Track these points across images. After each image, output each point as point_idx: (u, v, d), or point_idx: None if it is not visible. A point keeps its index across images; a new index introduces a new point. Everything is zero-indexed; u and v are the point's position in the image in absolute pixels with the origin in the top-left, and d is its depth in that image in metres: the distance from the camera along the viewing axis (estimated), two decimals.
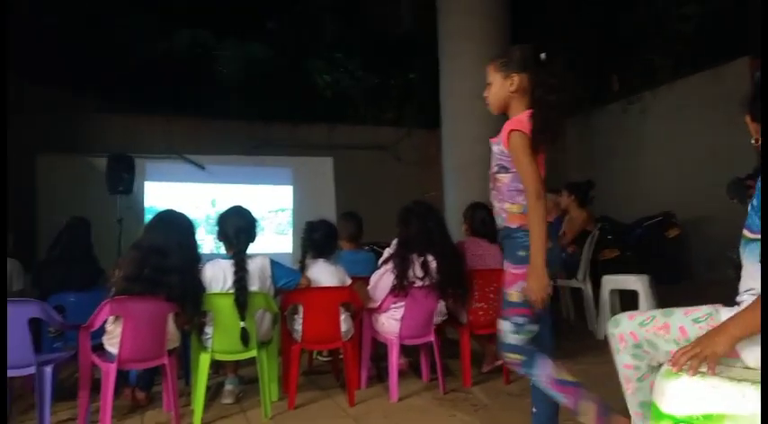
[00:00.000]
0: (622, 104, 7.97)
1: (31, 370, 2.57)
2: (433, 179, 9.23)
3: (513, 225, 2.07)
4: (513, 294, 1.99)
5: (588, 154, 8.74)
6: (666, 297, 3.66)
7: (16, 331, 2.52)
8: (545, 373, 1.94)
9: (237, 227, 2.92)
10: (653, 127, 7.42)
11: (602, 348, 4.19)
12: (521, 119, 2.01)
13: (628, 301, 4.40)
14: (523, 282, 1.96)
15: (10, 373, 2.63)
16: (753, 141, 1.68)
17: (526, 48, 2.04)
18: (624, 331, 1.74)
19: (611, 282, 4.52)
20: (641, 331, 1.69)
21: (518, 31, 6.99)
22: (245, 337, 2.77)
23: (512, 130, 2.00)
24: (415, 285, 3.10)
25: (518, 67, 2.03)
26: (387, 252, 3.35)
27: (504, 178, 2.13)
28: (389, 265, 3.18)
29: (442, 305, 3.26)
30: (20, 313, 2.54)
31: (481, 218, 3.69)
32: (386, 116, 10.22)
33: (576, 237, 5.07)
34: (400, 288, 3.06)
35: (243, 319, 2.76)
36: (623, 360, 1.76)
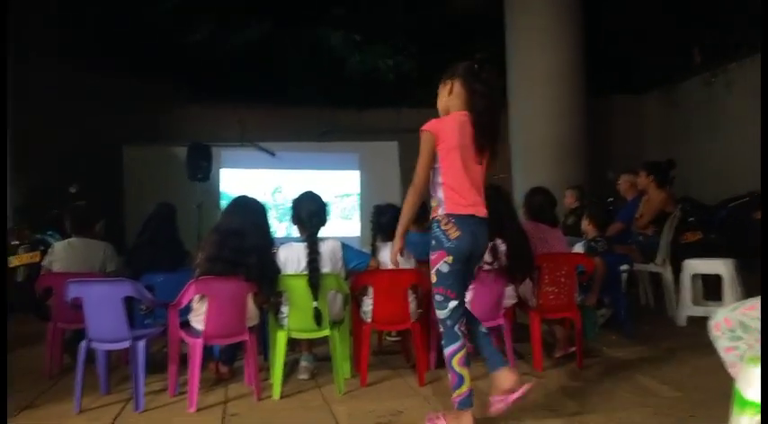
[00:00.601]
0: (705, 78, 7.49)
1: (126, 344, 2.79)
2: (502, 161, 9.06)
3: (432, 217, 2.39)
4: (432, 276, 2.34)
5: (669, 130, 8.30)
6: (753, 283, 3.46)
7: (113, 309, 2.75)
8: (450, 350, 2.32)
9: (310, 211, 3.02)
10: (739, 100, 6.95)
11: (680, 335, 4.06)
12: (438, 119, 2.42)
13: (712, 287, 4.19)
14: (436, 265, 2.31)
15: (108, 346, 2.88)
16: None
17: (464, 63, 2.44)
18: (719, 319, 1.80)
19: (693, 266, 4.32)
20: (733, 315, 1.74)
21: (590, 5, 6.70)
22: (318, 316, 2.88)
23: (421, 130, 2.38)
24: (484, 268, 3.10)
25: (453, 75, 2.45)
26: None
27: (431, 173, 2.41)
28: None
29: (511, 289, 3.23)
30: (116, 292, 2.76)
31: (539, 203, 3.63)
32: None
33: (654, 219, 4.85)
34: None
35: (316, 299, 2.87)
36: (723, 345, 1.78)
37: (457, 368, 2.33)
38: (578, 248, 4.18)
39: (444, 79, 2.47)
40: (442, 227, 2.35)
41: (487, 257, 3.09)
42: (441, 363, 3.40)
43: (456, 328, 2.34)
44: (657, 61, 8.64)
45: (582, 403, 2.69)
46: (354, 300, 3.28)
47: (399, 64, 10.12)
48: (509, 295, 3.24)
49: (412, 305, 3.10)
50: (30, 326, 4.72)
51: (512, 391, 2.35)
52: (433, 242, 2.36)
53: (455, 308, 2.34)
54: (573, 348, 3.39)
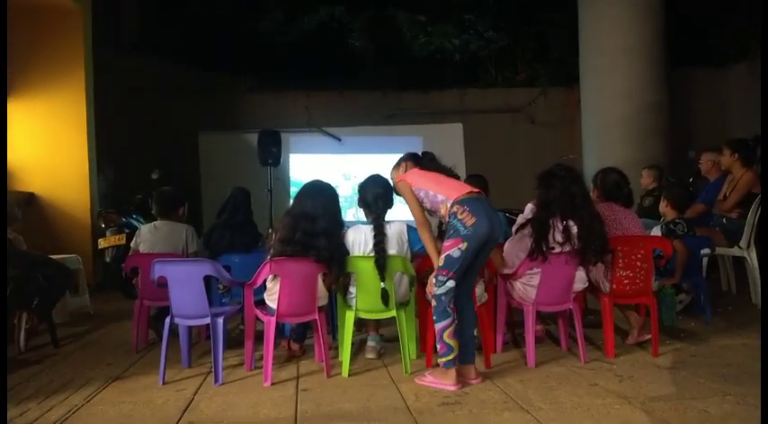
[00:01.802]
0: None
1: (207, 320, 2.96)
2: (571, 141, 8.77)
3: (449, 214, 2.72)
4: (441, 259, 2.68)
5: (753, 105, 7.71)
6: None
7: (194, 287, 2.92)
8: (441, 326, 2.66)
9: (375, 194, 3.07)
10: None
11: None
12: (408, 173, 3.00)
13: None
14: (447, 251, 2.64)
15: (190, 322, 3.07)
16: None
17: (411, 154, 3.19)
18: None
19: None
20: None
21: None
22: (385, 297, 2.94)
23: (398, 180, 2.98)
24: (554, 250, 3.03)
25: (407, 160, 3.15)
26: (521, 218, 3.30)
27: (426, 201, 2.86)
28: (526, 230, 3.14)
29: (583, 273, 3.14)
30: (197, 272, 2.93)
31: (614, 181, 3.49)
32: (519, 76, 9.83)
33: (740, 201, 4.55)
34: (539, 253, 3.01)
35: (383, 280, 2.92)
36: None
37: (447, 340, 2.66)
38: (656, 231, 4.00)
39: (396, 166, 3.19)
40: (459, 217, 2.63)
41: (559, 238, 3.03)
42: (507, 346, 3.40)
43: (448, 306, 2.66)
44: (742, 31, 8.03)
45: (655, 391, 2.60)
46: (420, 282, 3.31)
47: (465, 43, 9.95)
48: (579, 279, 3.15)
49: (479, 290, 3.09)
50: (117, 304, 5.11)
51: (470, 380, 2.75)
52: (451, 231, 2.66)
53: (452, 288, 2.65)
54: (648, 336, 3.27)
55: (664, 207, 4.15)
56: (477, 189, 2.81)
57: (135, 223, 5.71)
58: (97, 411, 2.54)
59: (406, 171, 3.07)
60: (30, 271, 3.63)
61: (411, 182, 2.88)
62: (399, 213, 3.18)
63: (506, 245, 3.29)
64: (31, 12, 5.96)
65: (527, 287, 3.12)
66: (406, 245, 3.10)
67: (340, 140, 8.94)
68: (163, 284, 2.98)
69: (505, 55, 9.91)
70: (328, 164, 8.63)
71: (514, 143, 8.97)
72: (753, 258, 4.35)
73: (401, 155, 3.25)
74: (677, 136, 7.70)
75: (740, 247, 4.43)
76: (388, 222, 3.08)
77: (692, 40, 8.64)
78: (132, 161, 7.56)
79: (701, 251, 4.11)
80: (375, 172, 3.25)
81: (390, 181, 3.15)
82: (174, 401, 2.65)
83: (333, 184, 3.21)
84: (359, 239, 3.04)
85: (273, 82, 9.29)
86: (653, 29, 7.16)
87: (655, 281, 3.44)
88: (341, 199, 3.19)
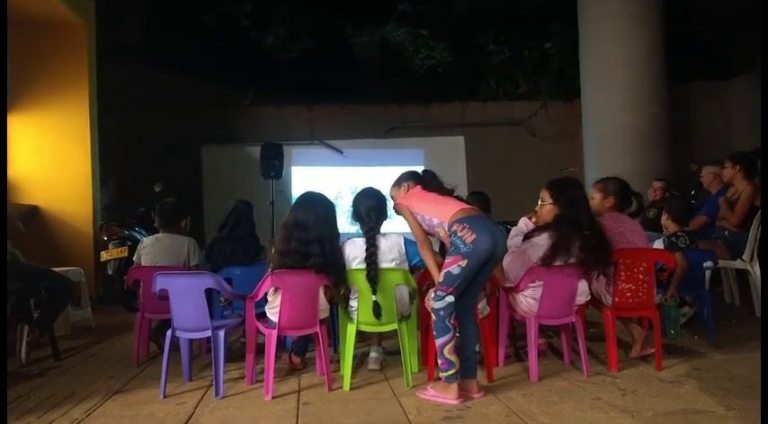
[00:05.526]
0: None
1: (208, 333, 2.96)
2: (572, 154, 8.80)
3: (449, 232, 2.71)
4: (441, 276, 2.67)
5: (755, 118, 7.75)
6: None
7: (196, 300, 2.92)
8: (441, 341, 2.64)
9: (368, 207, 3.08)
10: None
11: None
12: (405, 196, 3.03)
13: None
14: (447, 268, 2.63)
15: (191, 335, 3.06)
16: None
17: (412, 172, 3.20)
18: None
19: None
20: None
21: None
22: (376, 310, 2.94)
23: (396, 203, 3.03)
24: (556, 263, 3.03)
25: (407, 180, 3.14)
26: (515, 231, 3.31)
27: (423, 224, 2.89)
28: (527, 243, 3.14)
29: (585, 285, 3.13)
30: (198, 284, 2.93)
31: (630, 193, 3.49)
32: (520, 90, 9.89)
33: (746, 215, 4.53)
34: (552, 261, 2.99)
35: (374, 293, 2.93)
36: None
37: (448, 356, 2.65)
38: (658, 244, 3.99)
39: (396, 184, 3.18)
40: (459, 234, 2.62)
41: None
42: (509, 360, 3.39)
43: (447, 321, 2.64)
44: (744, 44, 8.07)
45: (659, 405, 2.58)
46: (421, 295, 3.30)
47: (466, 57, 10.03)
48: (581, 292, 3.14)
49: (480, 303, 3.08)
50: (119, 316, 5.10)
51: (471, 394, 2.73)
52: (452, 248, 2.66)
53: (451, 303, 2.64)
54: (651, 349, 3.25)
55: (665, 220, 4.15)
56: (471, 206, 2.81)
57: (137, 235, 5.72)
58: None
59: (408, 190, 3.07)
60: (32, 284, 3.63)
61: (408, 205, 2.92)
62: (399, 225, 3.17)
63: (506, 259, 3.28)
64: (35, 27, 6.03)
65: (529, 299, 3.11)
66: (405, 257, 3.10)
67: (342, 153, 8.98)
68: (164, 297, 2.97)
69: (506, 68, 9.98)
70: (330, 177, 8.66)
71: (515, 156, 9.00)
72: (756, 271, 4.34)
73: (402, 169, 3.25)
74: (678, 149, 7.72)
75: (743, 260, 4.42)
76: (385, 234, 3.08)
77: (694, 53, 8.69)
78: (135, 174, 7.60)
79: (704, 264, 4.10)
80: (369, 185, 3.26)
81: (388, 197, 3.17)
82: (174, 414, 2.64)
83: (338, 197, 3.22)
84: (354, 252, 3.05)
85: (276, 95, 9.36)
86: (654, 41, 7.20)
87: (657, 294, 3.42)
88: (346, 211, 3.21)
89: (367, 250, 2.96)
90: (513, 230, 3.33)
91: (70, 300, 4.28)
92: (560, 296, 3.08)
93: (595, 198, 3.50)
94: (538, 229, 3.15)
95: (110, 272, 5.70)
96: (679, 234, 4.00)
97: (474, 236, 2.59)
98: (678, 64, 7.84)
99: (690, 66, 8.71)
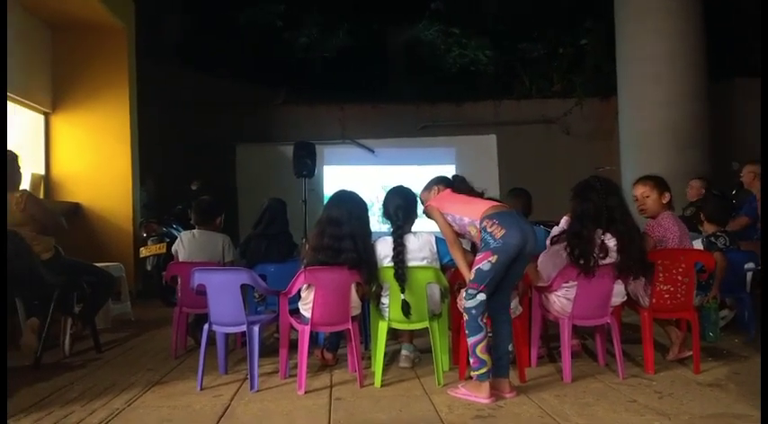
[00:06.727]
0: None
1: (243, 328, 3.02)
2: (608, 152, 8.63)
3: (480, 229, 2.73)
4: (471, 273, 2.67)
5: None
6: None
7: (231, 295, 2.99)
8: (473, 340, 2.63)
9: (396, 205, 3.09)
10: None
11: None
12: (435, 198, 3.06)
13: None
14: (478, 264, 2.63)
15: (227, 330, 3.13)
16: None
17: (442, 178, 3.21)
18: None
19: None
20: None
21: None
22: (405, 308, 2.95)
23: (426, 205, 3.06)
24: (590, 264, 2.97)
25: (437, 184, 3.17)
26: (555, 230, 3.26)
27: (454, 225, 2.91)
28: (560, 243, 3.10)
29: (622, 286, 3.08)
30: (234, 280, 3.00)
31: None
32: (554, 87, 9.75)
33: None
34: (580, 266, 2.94)
35: (402, 291, 2.94)
36: None
37: (480, 355, 2.64)
38: (697, 244, 3.89)
39: (427, 188, 3.19)
40: (488, 230, 2.64)
41: (596, 251, 2.96)
42: (542, 361, 3.35)
43: (479, 319, 2.63)
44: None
45: (696, 409, 2.52)
46: (452, 295, 3.29)
47: (499, 55, 9.94)
48: (617, 293, 3.08)
49: (513, 303, 3.06)
50: (157, 311, 5.25)
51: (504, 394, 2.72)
52: (482, 244, 2.67)
53: (482, 301, 2.63)
54: (689, 352, 3.18)
55: (702, 220, 4.05)
56: (500, 203, 2.86)
57: (175, 232, 5.86)
58: (138, 415, 2.61)
59: (438, 193, 3.10)
60: (74, 279, 3.77)
61: (438, 206, 2.94)
62: (430, 225, 3.17)
63: (540, 258, 3.25)
64: (78, 30, 6.26)
65: (562, 299, 3.07)
66: (437, 256, 3.10)
67: (374, 152, 9.01)
68: (201, 292, 3.05)
69: (540, 66, 9.85)
70: (362, 176, 8.70)
71: (549, 154, 8.87)
72: None
73: (434, 168, 3.27)
74: (719, 148, 7.49)
75: None
76: (416, 233, 3.09)
77: (736, 49, 8.42)
78: (172, 172, 7.78)
79: (745, 266, 3.98)
80: (398, 184, 3.27)
81: (418, 199, 3.19)
82: (211, 406, 2.71)
83: (371, 195, 3.26)
84: (385, 250, 3.07)
85: (308, 95, 9.45)
86: (694, 37, 7.01)
87: (696, 296, 3.33)
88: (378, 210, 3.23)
89: (394, 249, 2.98)
90: (555, 229, 3.28)
91: (111, 294, 4.43)
92: (595, 297, 3.04)
93: (650, 196, 3.35)
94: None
95: (148, 268, 5.86)
96: (718, 234, 3.89)
97: (503, 231, 2.59)
98: (720, 60, 7.61)
99: (733, 62, 8.44)
